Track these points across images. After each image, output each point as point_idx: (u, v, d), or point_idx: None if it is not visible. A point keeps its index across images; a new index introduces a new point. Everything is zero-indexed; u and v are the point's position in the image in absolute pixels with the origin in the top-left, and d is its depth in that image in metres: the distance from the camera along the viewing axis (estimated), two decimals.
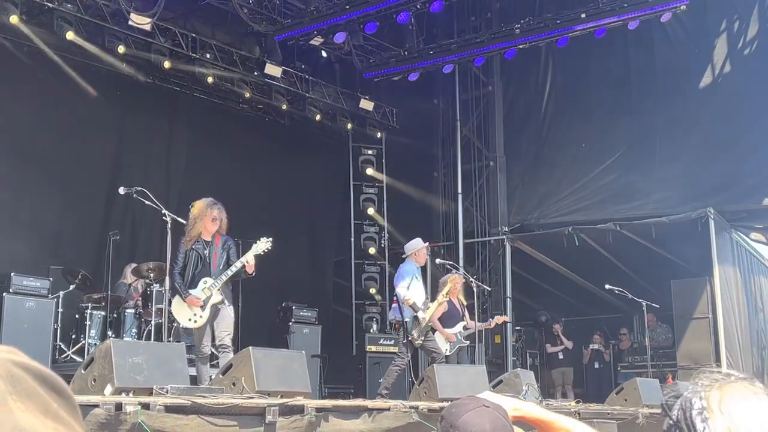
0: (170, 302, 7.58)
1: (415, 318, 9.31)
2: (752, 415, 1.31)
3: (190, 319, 7.41)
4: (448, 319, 10.09)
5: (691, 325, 12.75)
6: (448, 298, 9.91)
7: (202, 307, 7.38)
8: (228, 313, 7.54)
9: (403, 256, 9.83)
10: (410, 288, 9.40)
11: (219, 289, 7.44)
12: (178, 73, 12.36)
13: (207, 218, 7.46)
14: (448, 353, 10.00)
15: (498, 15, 14.56)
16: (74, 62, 11.42)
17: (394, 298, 9.49)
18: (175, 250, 7.40)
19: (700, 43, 13.26)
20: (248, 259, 7.46)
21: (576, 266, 14.37)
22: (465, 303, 10.55)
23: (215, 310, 7.47)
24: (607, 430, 7.31)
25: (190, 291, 7.41)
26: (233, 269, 7.49)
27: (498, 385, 8.71)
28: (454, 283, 9.96)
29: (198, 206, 7.53)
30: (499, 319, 11.34)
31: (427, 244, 9.92)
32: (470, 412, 2.08)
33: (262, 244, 7.65)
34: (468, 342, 10.29)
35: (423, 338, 9.33)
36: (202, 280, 7.45)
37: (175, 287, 7.39)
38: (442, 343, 9.98)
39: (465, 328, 10.23)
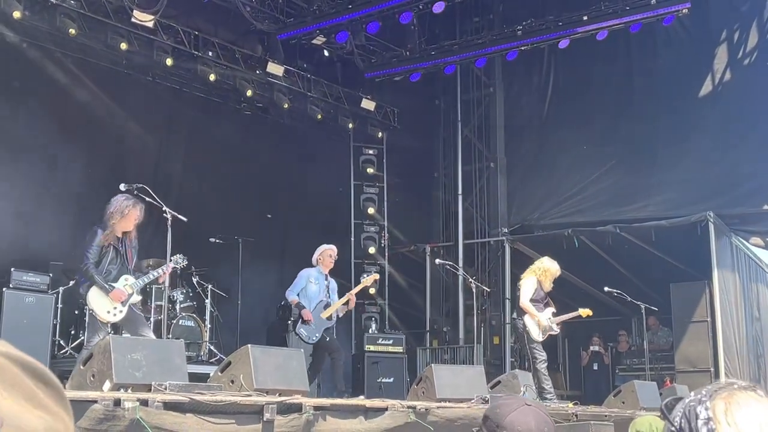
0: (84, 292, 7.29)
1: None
2: (758, 424, 1.31)
3: (109, 312, 7.14)
4: (533, 304, 9.78)
5: (689, 328, 12.74)
6: (536, 279, 9.76)
7: (123, 303, 7.21)
8: (141, 315, 7.58)
9: (313, 260, 9.78)
10: (301, 294, 9.46)
11: (138, 290, 7.40)
12: (180, 70, 12.37)
13: (130, 217, 7.26)
14: (540, 338, 9.67)
15: (500, 16, 14.58)
16: (75, 58, 11.43)
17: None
18: (90, 243, 7.20)
19: (701, 49, 13.29)
20: (165, 270, 7.49)
21: (575, 268, 14.34)
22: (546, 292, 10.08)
23: (132, 309, 7.36)
24: None
25: (113, 285, 7.22)
26: (154, 275, 7.48)
27: (496, 386, 8.72)
28: (544, 265, 9.86)
29: (121, 204, 7.27)
30: (582, 312, 10.37)
31: (327, 248, 9.72)
32: (515, 412, 2.21)
33: (180, 260, 7.76)
34: (558, 330, 9.97)
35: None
36: (123, 277, 7.28)
37: (94, 279, 7.13)
38: (534, 328, 9.66)
39: (553, 314, 9.89)
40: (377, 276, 9.72)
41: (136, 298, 7.40)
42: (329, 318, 9.49)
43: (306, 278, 9.55)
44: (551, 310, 9.90)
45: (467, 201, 15.27)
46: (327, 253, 9.65)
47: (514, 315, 9.99)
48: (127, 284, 7.26)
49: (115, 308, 7.17)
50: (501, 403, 2.31)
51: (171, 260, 7.61)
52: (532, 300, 9.74)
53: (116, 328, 7.38)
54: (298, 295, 9.48)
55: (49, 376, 0.82)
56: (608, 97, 14.03)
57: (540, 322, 9.69)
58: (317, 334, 9.33)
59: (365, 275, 9.72)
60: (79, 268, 7.43)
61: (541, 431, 2.20)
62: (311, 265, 9.78)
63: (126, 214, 7.19)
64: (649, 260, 13.42)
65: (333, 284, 9.76)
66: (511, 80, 15.27)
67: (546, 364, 9.72)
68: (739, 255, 13.41)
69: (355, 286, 14.42)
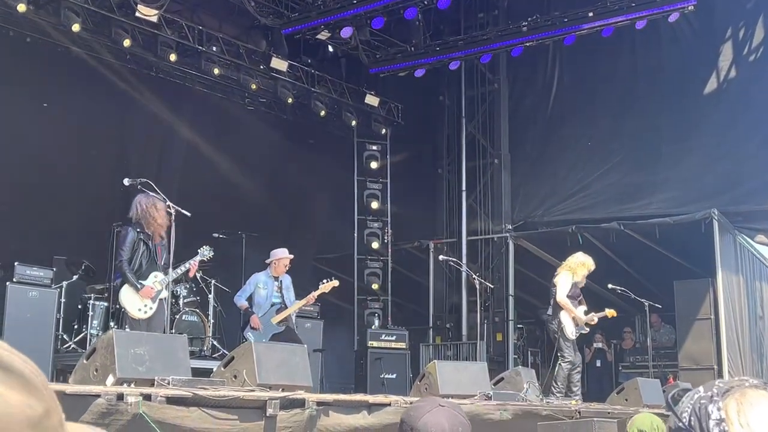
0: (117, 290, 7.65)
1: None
2: None
3: (140, 309, 7.42)
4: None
5: (693, 326, 12.73)
6: (571, 276, 9.66)
7: (153, 299, 7.48)
8: (164, 318, 7.75)
9: (266, 261, 9.69)
10: (251, 299, 9.43)
11: (167, 286, 7.64)
12: (183, 65, 12.37)
13: (162, 211, 7.52)
14: (573, 336, 9.62)
15: (505, 12, 14.54)
16: (79, 53, 11.43)
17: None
18: (123, 242, 7.50)
19: (707, 46, 13.25)
20: (192, 263, 7.77)
21: None
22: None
23: (161, 305, 7.61)
24: (608, 429, 7.31)
25: (143, 282, 7.46)
26: (182, 269, 7.74)
27: (499, 383, 8.72)
28: (581, 261, 9.76)
29: (148, 200, 7.51)
30: (609, 313, 10.24)
31: (283, 256, 9.58)
32: (428, 414, 2.24)
33: (207, 252, 8.00)
34: (588, 329, 9.95)
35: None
36: (152, 274, 7.52)
37: (126, 276, 7.41)
38: (570, 325, 9.59)
39: (585, 312, 9.79)
40: (336, 283, 9.66)
41: (164, 294, 7.62)
42: (280, 323, 9.30)
43: (254, 284, 9.47)
44: (583, 308, 9.80)
45: (471, 197, 15.24)
46: (283, 262, 9.49)
47: (549, 312, 9.85)
48: (156, 281, 7.51)
49: (145, 305, 7.44)
50: (415, 405, 2.34)
51: (198, 252, 7.89)
52: (568, 297, 9.64)
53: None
54: (248, 300, 9.42)
55: (8, 362, 0.80)
56: (613, 93, 13.99)
57: (578, 317, 9.60)
58: (264, 340, 9.05)
59: (325, 280, 9.63)
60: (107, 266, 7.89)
61: (455, 431, 2.23)
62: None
63: (159, 209, 7.48)
64: (653, 257, 13.40)
65: (286, 281, 9.57)
66: (516, 76, 15.23)
67: (571, 366, 9.63)
68: (743, 253, 13.38)
69: (358, 282, 14.51)
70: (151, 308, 7.45)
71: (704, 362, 12.39)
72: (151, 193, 7.54)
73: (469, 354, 14.18)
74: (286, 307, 9.38)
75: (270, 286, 9.48)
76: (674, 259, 13.39)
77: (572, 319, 9.62)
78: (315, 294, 9.48)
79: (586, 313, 9.84)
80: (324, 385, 11.56)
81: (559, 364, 9.60)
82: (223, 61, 12.45)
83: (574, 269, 9.77)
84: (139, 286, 7.38)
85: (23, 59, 10.93)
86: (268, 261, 9.62)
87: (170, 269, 7.49)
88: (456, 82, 15.44)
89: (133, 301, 7.41)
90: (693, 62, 13.36)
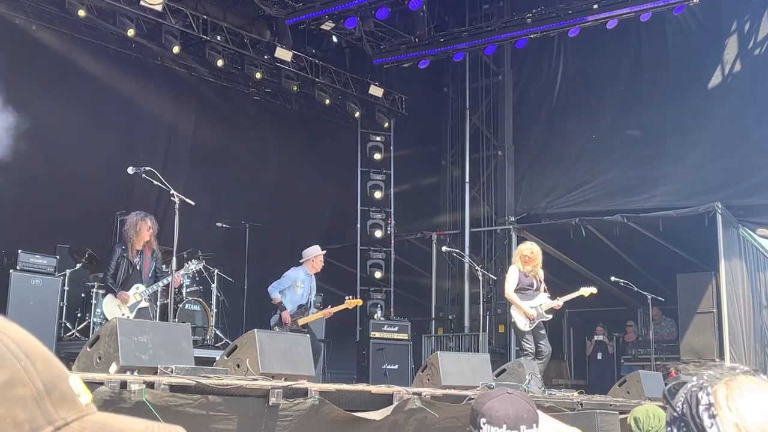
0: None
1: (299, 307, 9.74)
2: (760, 409, 1.31)
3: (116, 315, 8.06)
4: (521, 293, 9.49)
5: (695, 319, 12.74)
6: (516, 269, 9.50)
7: (130, 308, 8.16)
8: (151, 315, 8.39)
9: (300, 261, 9.90)
10: (284, 292, 9.61)
11: (148, 297, 8.28)
12: (188, 54, 12.35)
13: (143, 229, 8.18)
14: (527, 328, 9.48)
15: (510, 4, 14.50)
16: (84, 42, 11.43)
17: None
18: (109, 259, 8.26)
19: (712, 39, 13.23)
20: (176, 276, 8.14)
21: (582, 258, 14.34)
22: (541, 278, 9.67)
23: (142, 313, 8.22)
24: (610, 421, 7.33)
25: (125, 292, 8.20)
26: (163, 283, 8.33)
27: (501, 374, 8.73)
28: (522, 252, 9.58)
29: (132, 220, 8.20)
30: (585, 291, 9.94)
31: (320, 253, 9.86)
32: (494, 399, 2.30)
33: (193, 266, 8.72)
34: (551, 316, 9.71)
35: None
36: (135, 285, 8.22)
37: (108, 287, 8.27)
38: (520, 318, 9.49)
39: (550, 298, 9.55)
40: (360, 302, 9.95)
41: (144, 304, 8.26)
42: (304, 326, 9.66)
43: (293, 280, 9.67)
44: (545, 295, 9.57)
45: (474, 189, 15.25)
46: (320, 258, 9.84)
47: None
48: (138, 292, 8.20)
49: (123, 314, 8.05)
50: (483, 393, 2.43)
51: (184, 266, 8.51)
52: (519, 289, 9.46)
53: None
54: (281, 293, 9.61)
55: None
56: (617, 86, 13.97)
57: (526, 311, 9.43)
58: None
59: (349, 297, 9.92)
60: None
61: (519, 417, 2.26)
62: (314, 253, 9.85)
63: (139, 229, 8.13)
64: (656, 250, 13.39)
65: (314, 283, 9.92)
66: (520, 68, 15.20)
67: (531, 357, 9.60)
68: (746, 246, 13.37)
69: (361, 272, 14.53)
70: (128, 317, 8.01)
71: (706, 355, 12.39)
72: (142, 213, 8.26)
73: (471, 345, 14.21)
74: (308, 308, 9.76)
75: (307, 285, 9.74)
76: (677, 252, 13.39)
77: (522, 312, 9.49)
78: (337, 308, 9.95)
79: (552, 297, 9.68)
80: (326, 376, 11.59)
81: (519, 358, 9.67)
82: (228, 50, 12.44)
83: (516, 260, 9.67)
84: (116, 291, 8.20)
85: (29, 47, 10.92)
86: (302, 261, 9.84)
87: (173, 264, 7.66)
88: (460, 73, 15.42)
89: (112, 308, 8.14)
90: (698, 55, 13.33)
